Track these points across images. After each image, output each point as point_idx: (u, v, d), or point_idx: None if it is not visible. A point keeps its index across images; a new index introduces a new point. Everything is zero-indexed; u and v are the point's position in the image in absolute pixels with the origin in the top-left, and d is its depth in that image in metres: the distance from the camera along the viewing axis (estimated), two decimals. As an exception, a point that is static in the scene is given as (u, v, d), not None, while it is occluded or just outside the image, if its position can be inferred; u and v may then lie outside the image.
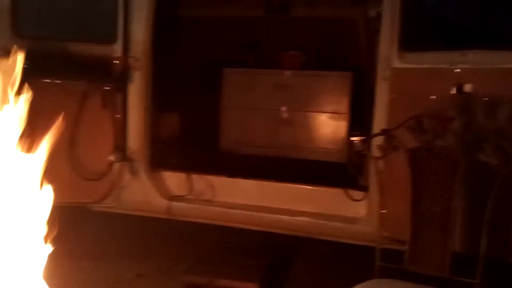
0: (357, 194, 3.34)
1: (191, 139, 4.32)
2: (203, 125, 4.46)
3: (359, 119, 3.93)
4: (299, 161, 4.06)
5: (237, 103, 4.49)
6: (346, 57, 4.56)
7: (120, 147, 3.67)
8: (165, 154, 3.96)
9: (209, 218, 3.67)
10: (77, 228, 3.59)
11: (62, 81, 3.47)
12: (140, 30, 3.57)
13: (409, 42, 3.01)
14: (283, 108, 4.32)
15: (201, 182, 3.78)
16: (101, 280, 3.52)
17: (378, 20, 3.30)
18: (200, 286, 3.44)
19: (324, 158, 4.07)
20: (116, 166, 3.70)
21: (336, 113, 4.21)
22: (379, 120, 3.06)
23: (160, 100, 3.87)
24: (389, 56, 3.05)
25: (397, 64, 3.03)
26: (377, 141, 2.96)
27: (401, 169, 2.75)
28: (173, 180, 3.84)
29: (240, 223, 3.57)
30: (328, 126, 4.23)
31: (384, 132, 2.92)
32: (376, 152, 2.93)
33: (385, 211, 2.88)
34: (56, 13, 3.76)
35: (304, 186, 3.50)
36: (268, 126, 4.35)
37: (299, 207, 3.44)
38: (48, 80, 3.41)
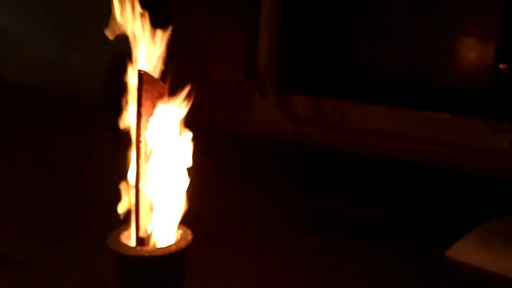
0: (502, 125, 3.04)
1: (322, 62, 4.18)
2: (336, 48, 4.28)
3: (509, 44, 3.51)
4: (439, 89, 3.76)
5: (374, 25, 4.22)
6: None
7: (250, 67, 3.66)
8: (294, 76, 3.88)
9: (336, 143, 3.58)
10: (204, 147, 3.71)
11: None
12: None
13: None
14: (423, 31, 3.99)
15: (330, 106, 3.67)
16: (230, 199, 3.66)
17: None
18: (325, 210, 3.44)
19: (466, 87, 3.73)
20: (245, 85, 3.71)
21: (483, 36, 3.79)
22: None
23: (292, 21, 3.76)
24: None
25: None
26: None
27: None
28: (301, 103, 3.78)
29: (368, 150, 3.45)
30: (473, 50, 3.84)
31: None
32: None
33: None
34: None
35: (442, 115, 3.25)
36: (406, 50, 4.05)
37: (436, 137, 3.22)
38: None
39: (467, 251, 2.01)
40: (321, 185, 3.47)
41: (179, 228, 1.54)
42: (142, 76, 1.42)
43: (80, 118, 4.75)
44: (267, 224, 3.39)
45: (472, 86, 3.64)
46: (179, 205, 1.53)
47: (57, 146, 4.33)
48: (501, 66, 3.37)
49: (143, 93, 1.42)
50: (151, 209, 1.46)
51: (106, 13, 1.53)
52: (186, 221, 1.60)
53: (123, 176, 1.53)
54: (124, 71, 1.53)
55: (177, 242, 1.46)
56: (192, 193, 1.65)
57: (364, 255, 3.05)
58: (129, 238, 1.48)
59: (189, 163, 1.54)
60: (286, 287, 2.70)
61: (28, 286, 2.59)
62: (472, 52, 3.82)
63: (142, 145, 1.44)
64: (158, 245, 1.47)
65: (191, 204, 1.60)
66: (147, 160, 1.48)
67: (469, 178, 3.12)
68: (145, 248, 1.43)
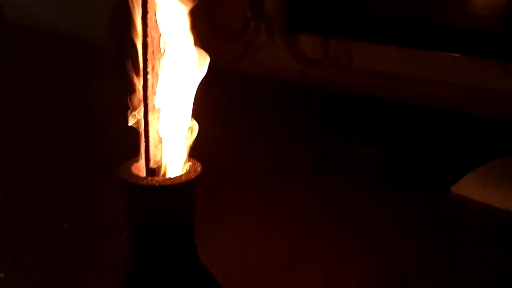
0: (513, 66, 3.00)
1: (331, 2, 4.09)
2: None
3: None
4: (449, 29, 3.68)
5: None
6: None
7: (257, 4, 3.60)
8: (302, 16, 3.81)
9: (344, 85, 3.56)
10: (211, 88, 3.70)
11: None
12: None
13: None
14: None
15: (338, 47, 3.62)
16: (235, 139, 3.68)
17: None
18: (330, 151, 3.47)
19: (477, 28, 3.66)
20: (252, 25, 3.66)
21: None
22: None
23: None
24: None
25: None
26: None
27: None
28: (309, 43, 3.72)
29: (377, 92, 3.43)
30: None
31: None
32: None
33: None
34: None
35: (451, 55, 3.21)
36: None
37: (445, 78, 3.19)
38: None
39: (472, 187, 2.04)
40: (327, 127, 3.49)
41: (188, 160, 1.56)
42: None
43: (85, 59, 4.74)
44: (273, 164, 3.44)
45: (484, 27, 3.56)
46: (188, 138, 1.55)
47: (63, 85, 4.34)
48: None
49: (148, 21, 1.40)
50: (160, 141, 1.48)
51: None
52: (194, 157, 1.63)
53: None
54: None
55: (187, 173, 1.49)
56: (201, 130, 1.68)
57: (368, 195, 3.11)
58: (140, 170, 1.51)
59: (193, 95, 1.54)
60: (289, 226, 2.77)
61: (43, 220, 2.68)
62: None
63: (149, 76, 1.45)
64: (168, 176, 1.50)
65: (200, 141, 1.63)
66: (154, 92, 1.48)
67: (477, 120, 3.11)
68: (155, 178, 1.45)
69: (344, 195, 3.10)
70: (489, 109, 3.04)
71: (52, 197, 2.88)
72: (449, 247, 2.15)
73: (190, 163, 1.55)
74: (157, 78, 1.49)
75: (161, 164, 1.50)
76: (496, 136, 3.04)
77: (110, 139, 2.55)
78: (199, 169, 1.52)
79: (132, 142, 1.55)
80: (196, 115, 1.56)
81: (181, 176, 1.47)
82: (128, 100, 1.55)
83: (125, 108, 1.53)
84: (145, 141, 1.45)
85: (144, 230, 1.52)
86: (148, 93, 1.45)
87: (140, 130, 1.49)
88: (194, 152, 1.60)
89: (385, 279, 2.36)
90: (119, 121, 1.56)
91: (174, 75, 1.52)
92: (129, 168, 1.50)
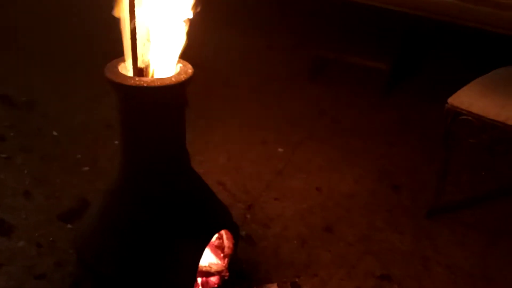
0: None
1: None
2: None
3: None
4: None
5: None
6: None
7: None
8: None
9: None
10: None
11: None
12: None
13: None
14: None
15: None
16: (232, 48, 3.59)
17: None
18: (328, 61, 3.39)
19: None
20: None
21: None
22: None
23: None
24: None
25: None
26: None
27: None
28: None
29: (378, 1, 3.30)
30: None
31: None
32: None
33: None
34: None
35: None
36: None
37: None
38: None
39: (469, 99, 2.00)
40: (329, 36, 3.39)
41: (179, 62, 1.50)
42: None
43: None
44: (270, 73, 3.37)
45: None
46: (179, 37, 1.47)
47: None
48: None
49: None
50: (149, 39, 1.41)
51: None
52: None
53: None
54: None
55: (177, 74, 1.43)
56: (199, 34, 1.60)
57: (365, 106, 3.08)
58: (128, 69, 1.45)
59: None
60: (284, 134, 2.75)
61: (33, 126, 2.64)
62: None
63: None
64: (157, 77, 1.44)
65: (196, 45, 1.55)
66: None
67: (479, 32, 3.02)
68: (143, 78, 1.40)
69: (340, 104, 3.06)
70: (493, 21, 2.94)
71: (43, 103, 2.83)
72: (442, 159, 2.14)
73: (181, 64, 1.50)
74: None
75: (150, 64, 1.44)
76: (497, 48, 2.96)
77: (101, 42, 2.44)
78: (190, 71, 1.47)
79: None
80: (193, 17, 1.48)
81: (170, 77, 1.41)
82: None
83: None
84: (132, 39, 1.38)
85: (133, 132, 1.49)
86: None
87: (124, 25, 1.41)
88: (189, 56, 1.54)
89: (377, 190, 2.38)
90: (110, 22, 1.47)
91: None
92: (116, 67, 1.44)
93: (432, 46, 3.62)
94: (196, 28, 1.52)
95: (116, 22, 1.44)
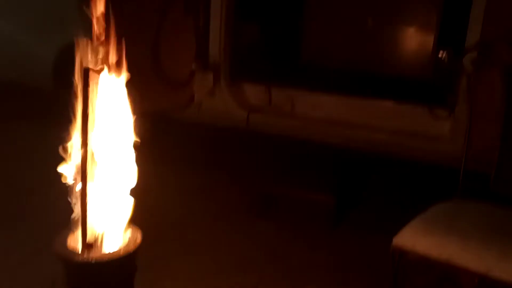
0: (442, 112, 3.17)
1: (272, 51, 4.20)
2: (285, 37, 4.31)
3: (448, 32, 3.62)
4: (384, 76, 3.84)
5: (321, 14, 4.26)
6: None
7: (202, 56, 3.65)
8: (245, 66, 3.90)
9: (287, 131, 3.64)
10: (159, 136, 3.68)
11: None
12: None
13: None
14: (368, 19, 4.04)
15: (280, 95, 3.71)
16: (178, 184, 3.65)
17: None
18: (274, 197, 3.49)
19: (409, 74, 3.83)
20: (198, 75, 3.71)
21: (424, 25, 3.87)
22: (474, 32, 2.82)
23: (242, 10, 3.76)
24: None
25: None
26: (470, 56, 2.74)
27: (494, 88, 2.53)
28: (253, 91, 3.80)
29: (318, 137, 3.52)
30: (415, 39, 3.93)
31: (479, 45, 2.68)
32: (468, 68, 2.71)
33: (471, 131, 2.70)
34: None
35: (386, 102, 3.35)
36: (352, 38, 4.11)
37: (380, 123, 3.31)
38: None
39: (412, 238, 2.07)
40: (272, 172, 3.52)
41: (128, 229, 1.54)
42: (88, 73, 1.40)
43: (28, 107, 4.63)
44: (218, 212, 3.41)
45: (414, 74, 3.75)
46: (128, 207, 1.53)
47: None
48: (440, 54, 3.48)
49: (89, 93, 1.40)
50: (99, 213, 1.46)
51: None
52: (137, 216, 1.60)
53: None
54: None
55: (126, 245, 1.47)
56: (143, 187, 1.64)
57: (313, 241, 3.12)
58: (76, 241, 1.48)
59: (134, 166, 1.54)
60: (238, 277, 2.73)
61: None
62: (413, 40, 3.92)
63: (88, 148, 1.43)
64: (106, 249, 1.47)
65: (142, 199, 1.59)
66: (93, 162, 1.47)
67: (412, 164, 3.23)
68: (92, 253, 1.42)
69: (288, 241, 3.10)
70: (424, 153, 3.17)
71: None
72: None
73: (130, 231, 1.53)
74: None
75: (99, 237, 1.47)
76: (435, 180, 3.15)
77: (47, 197, 2.43)
78: (139, 239, 1.50)
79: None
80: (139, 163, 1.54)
81: (119, 250, 1.44)
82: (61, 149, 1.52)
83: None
84: (82, 215, 1.42)
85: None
86: (87, 165, 1.43)
87: (75, 200, 1.46)
88: (137, 204, 1.56)
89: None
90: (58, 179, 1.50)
91: (112, 149, 1.52)
92: (65, 240, 1.47)
93: (374, 176, 3.80)
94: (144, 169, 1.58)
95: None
